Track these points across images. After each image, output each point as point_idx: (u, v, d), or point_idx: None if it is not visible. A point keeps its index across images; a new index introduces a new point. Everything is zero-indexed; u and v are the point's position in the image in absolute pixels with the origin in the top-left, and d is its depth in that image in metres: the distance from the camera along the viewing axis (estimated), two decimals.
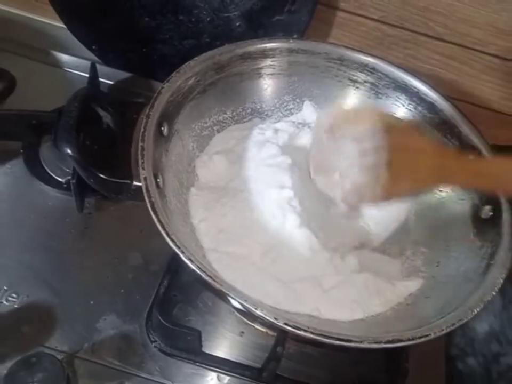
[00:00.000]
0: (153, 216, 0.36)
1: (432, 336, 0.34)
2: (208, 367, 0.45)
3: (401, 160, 0.38)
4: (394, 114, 0.47)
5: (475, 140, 0.45)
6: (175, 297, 0.47)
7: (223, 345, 0.47)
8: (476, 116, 0.60)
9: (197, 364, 0.45)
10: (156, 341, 0.45)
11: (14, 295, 0.45)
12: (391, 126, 0.38)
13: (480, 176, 0.39)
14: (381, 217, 0.46)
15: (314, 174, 0.42)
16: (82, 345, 0.44)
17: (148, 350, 0.45)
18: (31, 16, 0.64)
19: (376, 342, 0.33)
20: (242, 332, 0.47)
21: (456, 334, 0.52)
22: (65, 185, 0.52)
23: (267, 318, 0.33)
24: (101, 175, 0.41)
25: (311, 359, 0.47)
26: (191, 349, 0.45)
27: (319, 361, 0.47)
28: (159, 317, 0.43)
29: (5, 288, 0.45)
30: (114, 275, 0.48)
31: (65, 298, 0.46)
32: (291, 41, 0.50)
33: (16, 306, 0.45)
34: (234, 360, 0.46)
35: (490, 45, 0.55)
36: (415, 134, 0.40)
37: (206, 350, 0.45)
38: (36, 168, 0.53)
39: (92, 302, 0.46)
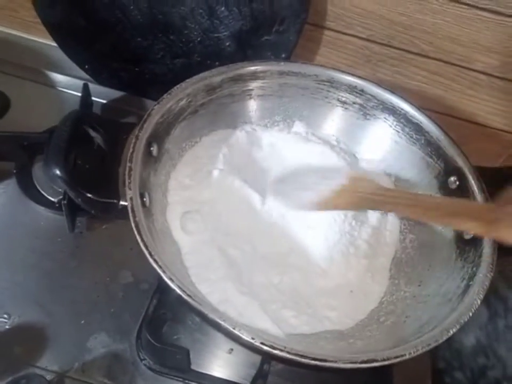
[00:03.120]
0: (137, 236, 0.37)
1: (407, 356, 0.34)
2: None
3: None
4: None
5: (460, 162, 0.46)
6: (164, 315, 0.48)
7: (212, 362, 0.47)
8: (462, 129, 0.62)
9: (186, 381, 0.45)
10: (145, 359, 0.45)
11: (5, 315, 0.46)
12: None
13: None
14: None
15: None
16: (72, 365, 0.44)
17: (137, 368, 0.45)
18: (24, 36, 0.65)
19: (351, 362, 0.33)
20: (231, 349, 0.47)
21: (442, 348, 0.52)
22: (57, 205, 0.53)
23: (244, 338, 0.33)
24: (89, 195, 0.42)
25: (299, 375, 0.47)
26: (180, 367, 0.45)
27: (307, 378, 0.47)
28: (148, 336, 0.44)
29: None
30: (105, 294, 0.49)
31: (56, 317, 0.47)
32: (281, 63, 0.51)
33: (7, 327, 0.45)
34: (223, 377, 0.46)
35: (475, 61, 0.56)
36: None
37: (195, 367, 0.46)
38: (28, 188, 0.54)
39: (82, 322, 0.47)
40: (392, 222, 0.49)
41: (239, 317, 0.38)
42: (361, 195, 0.45)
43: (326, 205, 0.45)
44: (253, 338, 0.33)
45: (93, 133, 0.45)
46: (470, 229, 0.40)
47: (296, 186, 0.47)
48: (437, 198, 0.47)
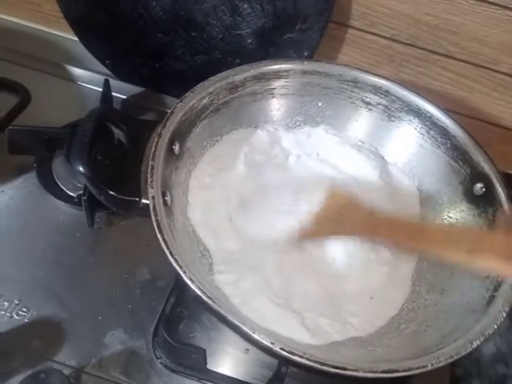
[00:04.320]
0: (158, 235, 0.37)
1: (429, 368, 0.34)
2: None
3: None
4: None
5: (486, 168, 0.45)
6: (181, 313, 0.48)
7: (228, 362, 0.47)
8: (486, 132, 0.61)
9: (202, 381, 0.45)
10: (161, 358, 0.45)
11: (24, 309, 0.46)
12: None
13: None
14: None
15: None
16: (89, 360, 0.44)
17: (153, 366, 0.45)
18: (46, 29, 0.66)
19: (371, 372, 0.33)
20: (247, 350, 0.47)
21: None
22: (76, 200, 0.53)
23: (263, 342, 0.33)
24: (111, 192, 0.42)
25: (316, 378, 0.46)
26: (196, 366, 0.45)
27: (324, 381, 0.46)
28: (165, 335, 0.44)
29: (16, 302, 0.46)
30: (122, 290, 0.49)
31: (74, 312, 0.47)
32: (305, 62, 0.50)
33: (26, 320, 0.45)
34: (239, 378, 0.46)
35: (502, 63, 0.55)
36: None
37: (211, 367, 0.46)
38: (48, 183, 0.54)
39: (99, 317, 0.47)
40: None
41: (272, 325, 0.38)
42: (343, 221, 0.41)
43: (302, 233, 0.42)
44: (272, 343, 0.33)
45: (115, 130, 0.44)
46: (495, 269, 0.37)
47: (267, 208, 0.45)
48: (450, 227, 0.43)
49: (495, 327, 0.36)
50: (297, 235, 0.43)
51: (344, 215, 0.42)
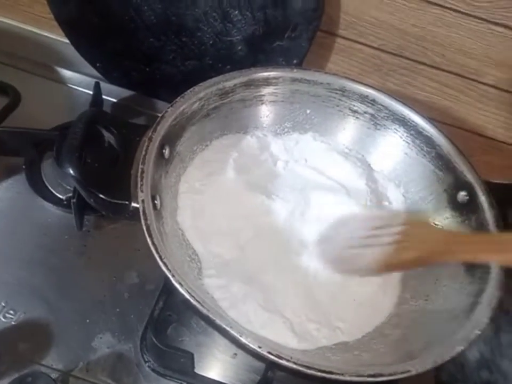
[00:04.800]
0: (148, 239, 0.37)
1: (414, 372, 0.35)
2: None
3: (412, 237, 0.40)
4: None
5: (469, 176, 0.46)
6: (170, 317, 0.48)
7: (216, 366, 0.47)
8: (470, 142, 0.62)
9: None
10: (149, 361, 0.46)
11: (11, 311, 0.46)
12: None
13: (489, 252, 0.39)
14: None
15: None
16: (77, 364, 0.44)
17: (141, 370, 0.45)
18: (36, 31, 0.65)
19: (357, 375, 0.33)
20: (235, 354, 0.48)
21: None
22: (65, 202, 0.53)
23: (251, 346, 0.34)
24: (101, 195, 0.42)
25: (303, 382, 0.47)
26: (184, 370, 0.45)
27: None
28: (153, 338, 0.44)
29: (3, 304, 0.46)
30: (111, 294, 0.49)
31: (61, 315, 0.47)
32: (294, 70, 0.51)
33: (13, 323, 0.45)
34: (227, 382, 0.46)
35: (486, 75, 0.56)
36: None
37: (199, 371, 0.46)
38: (37, 185, 0.54)
39: (88, 320, 0.47)
40: None
41: (260, 330, 0.38)
42: (431, 247, 0.39)
43: (387, 267, 0.40)
44: (259, 347, 0.34)
45: (106, 133, 0.45)
46: None
47: (342, 244, 0.43)
48: None
49: (478, 332, 0.37)
50: (380, 268, 0.40)
51: (427, 240, 0.40)
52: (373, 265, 0.40)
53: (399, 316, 0.44)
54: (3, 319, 0.45)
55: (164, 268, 0.36)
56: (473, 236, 0.43)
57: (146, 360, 0.46)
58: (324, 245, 0.44)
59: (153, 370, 0.45)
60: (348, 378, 0.33)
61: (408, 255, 0.40)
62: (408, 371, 0.35)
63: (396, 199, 0.51)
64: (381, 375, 0.34)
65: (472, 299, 0.40)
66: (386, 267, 0.40)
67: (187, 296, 0.35)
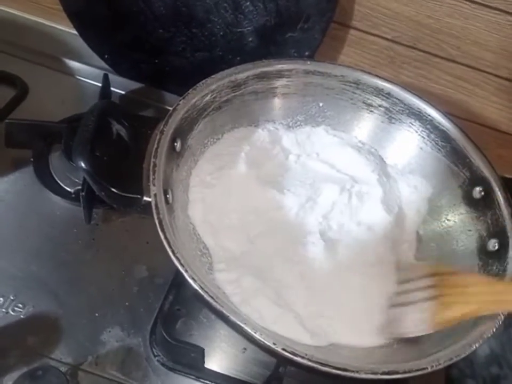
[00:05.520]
0: (161, 234, 0.36)
1: (429, 370, 0.34)
2: (210, 383, 0.45)
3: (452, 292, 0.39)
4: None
5: (485, 172, 0.45)
6: (179, 311, 0.48)
7: (225, 361, 0.47)
8: (484, 136, 0.61)
9: (199, 379, 0.45)
10: (159, 355, 0.45)
11: (20, 305, 0.46)
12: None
13: None
14: None
15: None
16: (86, 358, 0.44)
17: (150, 364, 0.45)
18: (45, 22, 0.65)
19: (372, 373, 0.33)
20: (245, 349, 0.47)
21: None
22: (73, 195, 0.52)
23: (265, 342, 0.33)
24: (113, 189, 0.41)
25: (314, 378, 0.47)
26: (194, 365, 0.45)
27: (322, 381, 0.47)
28: (163, 332, 0.44)
29: (11, 298, 0.46)
30: (119, 287, 0.48)
31: (70, 309, 0.46)
32: (308, 62, 0.50)
33: (22, 316, 0.45)
34: (236, 377, 0.46)
35: (502, 68, 0.55)
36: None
37: (208, 365, 0.46)
38: (45, 177, 0.53)
39: (96, 314, 0.47)
40: (409, 232, 0.49)
41: (272, 325, 0.37)
42: (480, 299, 0.38)
43: (438, 325, 0.38)
44: (274, 344, 0.33)
45: (117, 126, 0.44)
46: None
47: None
48: None
49: (494, 330, 0.37)
50: (430, 328, 0.38)
51: (473, 292, 0.38)
52: (421, 326, 0.38)
53: None
54: (12, 313, 0.45)
55: (176, 263, 0.35)
56: None
57: (155, 354, 0.45)
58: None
59: (162, 364, 0.45)
60: (363, 376, 0.33)
61: (461, 310, 0.38)
62: (424, 368, 0.34)
63: (408, 193, 0.51)
64: (396, 373, 0.34)
65: None
66: (437, 325, 0.38)
67: (200, 291, 0.34)
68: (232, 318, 0.34)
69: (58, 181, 0.53)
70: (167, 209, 0.38)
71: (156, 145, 0.40)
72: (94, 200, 0.49)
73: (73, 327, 0.45)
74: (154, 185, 0.38)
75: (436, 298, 0.38)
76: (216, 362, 0.46)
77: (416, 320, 0.39)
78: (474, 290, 0.38)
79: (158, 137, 0.40)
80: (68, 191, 0.53)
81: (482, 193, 0.45)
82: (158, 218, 0.37)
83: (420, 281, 0.40)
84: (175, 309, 0.47)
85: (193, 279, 0.34)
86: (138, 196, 0.39)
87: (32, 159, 0.54)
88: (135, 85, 0.63)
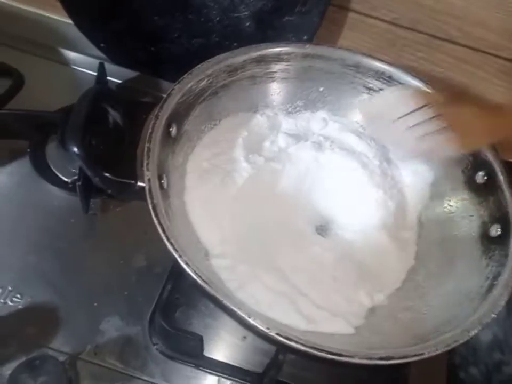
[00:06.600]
0: (154, 219, 0.36)
1: (426, 355, 0.34)
2: (210, 371, 0.45)
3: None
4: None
5: (489, 156, 0.44)
6: (178, 299, 0.47)
7: (225, 349, 0.46)
8: None
9: (199, 367, 0.45)
10: (157, 344, 0.45)
11: (18, 295, 0.45)
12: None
13: None
14: None
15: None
16: (85, 347, 0.44)
17: (150, 353, 0.45)
18: (40, 12, 0.64)
19: (367, 358, 0.32)
20: (245, 337, 0.47)
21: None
22: (70, 185, 0.52)
23: (259, 327, 0.33)
24: (106, 174, 0.41)
25: (313, 365, 0.46)
26: (193, 353, 0.45)
27: (322, 368, 0.46)
28: (162, 321, 0.43)
29: (10, 288, 0.46)
30: (118, 277, 0.48)
31: (69, 299, 0.46)
32: (307, 46, 0.49)
33: (20, 307, 0.45)
34: (236, 364, 0.45)
35: (504, 49, 0.54)
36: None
37: (208, 353, 0.45)
38: (42, 168, 0.53)
39: (95, 304, 0.46)
40: (410, 218, 0.48)
41: (268, 311, 0.37)
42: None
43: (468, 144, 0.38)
44: (268, 328, 0.33)
45: (112, 111, 0.43)
46: None
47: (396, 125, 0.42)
48: None
49: (493, 316, 0.36)
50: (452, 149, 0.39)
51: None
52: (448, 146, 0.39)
53: (411, 298, 0.43)
54: (10, 303, 0.45)
55: (170, 248, 0.35)
56: None
57: (154, 342, 0.45)
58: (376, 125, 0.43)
59: (161, 352, 0.45)
60: (358, 360, 0.32)
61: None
62: (421, 354, 0.34)
63: (410, 179, 0.50)
64: (392, 358, 0.33)
65: (488, 282, 0.39)
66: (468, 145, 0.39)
67: (194, 276, 0.34)
68: (226, 302, 0.33)
69: (55, 171, 0.53)
70: (162, 194, 0.38)
71: (150, 130, 0.39)
72: (91, 189, 0.49)
73: (71, 316, 0.45)
74: (148, 170, 0.37)
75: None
76: (215, 350, 0.46)
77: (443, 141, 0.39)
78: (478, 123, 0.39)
79: (152, 121, 0.40)
80: (65, 181, 0.53)
81: (485, 178, 0.44)
82: (152, 203, 0.36)
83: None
84: (174, 297, 0.47)
85: (187, 263, 0.34)
86: (132, 181, 0.39)
87: (28, 150, 0.54)
88: (131, 74, 0.62)
